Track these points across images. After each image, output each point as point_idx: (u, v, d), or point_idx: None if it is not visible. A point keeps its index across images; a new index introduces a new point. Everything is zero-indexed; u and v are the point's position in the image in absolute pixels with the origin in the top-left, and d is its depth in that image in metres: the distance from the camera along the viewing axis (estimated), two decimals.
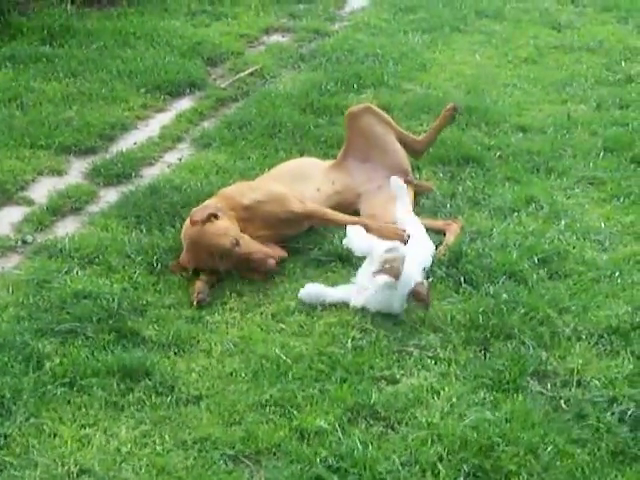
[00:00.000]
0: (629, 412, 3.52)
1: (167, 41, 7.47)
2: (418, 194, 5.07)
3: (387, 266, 4.08)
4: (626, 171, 5.50)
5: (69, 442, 3.39)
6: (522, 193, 5.18)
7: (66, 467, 3.25)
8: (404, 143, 5.15)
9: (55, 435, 3.43)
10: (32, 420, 3.48)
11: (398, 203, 4.77)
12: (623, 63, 7.33)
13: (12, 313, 4.09)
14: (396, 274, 4.06)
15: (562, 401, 3.64)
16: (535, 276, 4.40)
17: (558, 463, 3.31)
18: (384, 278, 4.05)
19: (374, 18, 8.42)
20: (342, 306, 4.21)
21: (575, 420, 3.53)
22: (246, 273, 4.41)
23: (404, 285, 4.09)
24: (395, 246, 4.23)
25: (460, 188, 5.25)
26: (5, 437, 3.38)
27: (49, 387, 3.65)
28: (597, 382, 3.71)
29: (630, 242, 4.78)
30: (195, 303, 4.20)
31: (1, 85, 6.49)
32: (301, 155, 5.52)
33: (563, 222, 4.91)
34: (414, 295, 4.10)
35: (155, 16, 8.10)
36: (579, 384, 3.73)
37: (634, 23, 8.35)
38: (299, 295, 4.24)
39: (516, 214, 4.99)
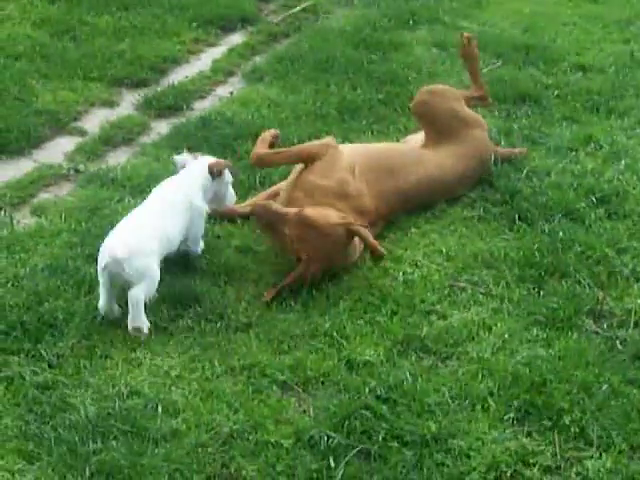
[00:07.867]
0: None
1: None
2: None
3: None
4: None
5: (120, 364, 3.39)
6: (581, 133, 5.07)
7: (116, 388, 3.25)
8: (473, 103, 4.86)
9: (106, 357, 3.44)
10: (84, 342, 3.48)
11: None
12: None
13: (65, 239, 4.08)
14: None
15: (618, 341, 3.57)
16: (593, 215, 4.31)
17: (612, 402, 3.24)
18: None
19: None
20: (392, 241, 4.16)
21: (631, 360, 3.46)
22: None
23: None
24: None
25: (516, 126, 5.15)
26: (58, 357, 3.39)
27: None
28: None
29: None
30: None
31: (55, 19, 6.46)
32: (354, 90, 5.44)
33: (623, 162, 4.80)
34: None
35: None
36: (636, 325, 3.65)
37: None
38: None
39: (574, 153, 4.89)
